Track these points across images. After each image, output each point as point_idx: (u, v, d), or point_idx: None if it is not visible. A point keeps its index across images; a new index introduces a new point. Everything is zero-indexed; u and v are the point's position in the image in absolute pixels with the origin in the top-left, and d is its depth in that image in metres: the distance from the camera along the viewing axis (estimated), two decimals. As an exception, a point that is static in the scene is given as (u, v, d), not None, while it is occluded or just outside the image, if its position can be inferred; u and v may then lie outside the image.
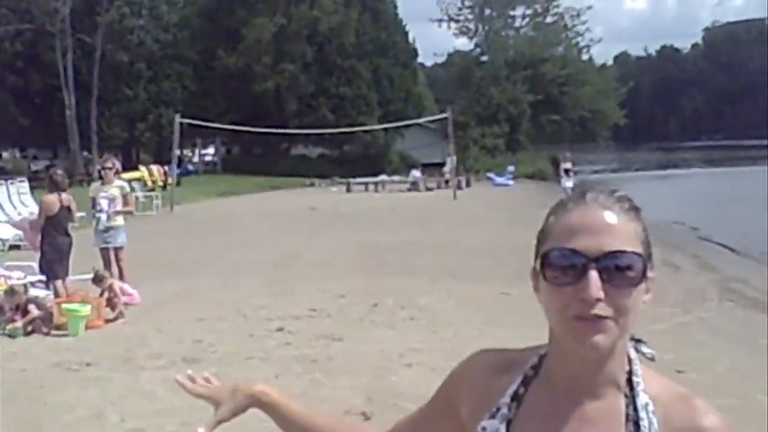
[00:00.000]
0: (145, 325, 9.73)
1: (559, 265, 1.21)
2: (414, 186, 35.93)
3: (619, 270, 1.19)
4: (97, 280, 10.29)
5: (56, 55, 43.32)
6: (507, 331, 8.53)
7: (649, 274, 1.25)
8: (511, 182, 38.96)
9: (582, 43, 55.33)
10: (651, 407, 1.24)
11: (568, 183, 26.03)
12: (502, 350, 1.38)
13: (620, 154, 72.83)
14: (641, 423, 1.22)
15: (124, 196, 11.55)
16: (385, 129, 42.21)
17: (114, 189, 11.47)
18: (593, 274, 1.17)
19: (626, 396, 1.25)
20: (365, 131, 41.11)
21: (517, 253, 15.48)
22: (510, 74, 50.62)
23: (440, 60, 66.48)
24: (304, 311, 10.26)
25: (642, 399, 1.25)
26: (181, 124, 30.88)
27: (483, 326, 9.33)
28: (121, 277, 11.26)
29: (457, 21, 55.93)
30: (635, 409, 1.24)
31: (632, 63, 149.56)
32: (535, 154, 49.44)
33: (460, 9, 55.68)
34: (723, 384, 7.21)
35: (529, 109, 49.39)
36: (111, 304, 10.12)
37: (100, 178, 12.01)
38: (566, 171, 26.57)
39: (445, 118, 33.15)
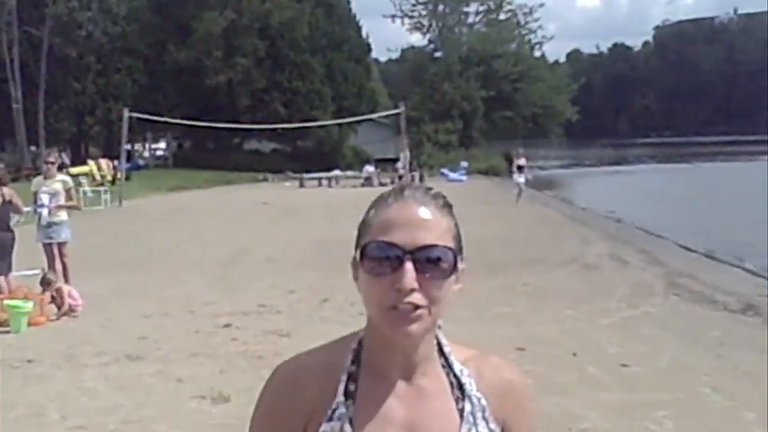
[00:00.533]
0: (90, 321, 9.56)
1: (377, 256, 1.27)
2: (368, 181, 35.89)
3: (432, 262, 1.26)
4: (45, 283, 10.03)
5: (2, 47, 42.44)
6: (453, 326, 8.52)
7: (460, 266, 1.32)
8: (464, 178, 39.14)
9: (534, 40, 55.94)
10: (465, 371, 1.37)
11: (521, 179, 26.19)
12: (304, 356, 1.40)
13: (572, 150, 73.67)
14: (465, 387, 1.36)
15: (68, 191, 11.31)
16: (339, 124, 42.12)
17: (56, 184, 11.21)
18: (408, 266, 1.24)
19: (444, 366, 1.37)
20: (318, 126, 40.95)
21: (469, 249, 15.51)
22: (463, 70, 50.84)
23: (394, 56, 66.70)
24: (253, 307, 10.17)
25: (457, 366, 1.38)
26: (131, 118, 30.44)
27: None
28: (65, 273, 11.03)
29: (410, 17, 56.12)
30: (455, 376, 1.37)
31: (584, 60, 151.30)
32: (489, 150, 49.73)
33: (414, 5, 55.87)
34: (667, 378, 7.28)
35: (482, 105, 49.67)
36: (57, 303, 9.90)
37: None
38: (519, 167, 26.72)
39: (399, 114, 33.15)
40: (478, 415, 1.34)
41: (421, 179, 36.68)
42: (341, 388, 1.32)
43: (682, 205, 27.88)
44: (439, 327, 1.39)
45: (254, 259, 14.70)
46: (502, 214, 23.08)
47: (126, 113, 29.84)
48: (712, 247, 17.88)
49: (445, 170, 40.98)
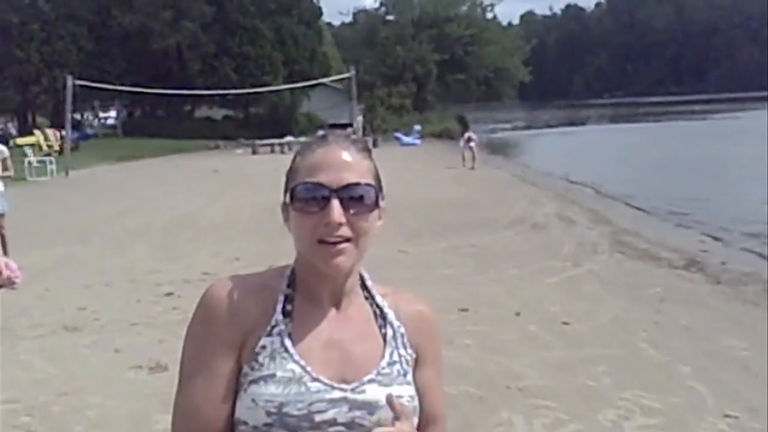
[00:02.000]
0: (27, 293, 9.34)
1: (306, 196, 1.42)
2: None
3: (356, 199, 1.41)
4: (-20, 255, 9.77)
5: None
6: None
7: (381, 203, 1.48)
8: (418, 142, 39.05)
9: (486, 3, 55.63)
10: (385, 303, 1.53)
11: (467, 151, 26.22)
12: (239, 276, 1.49)
13: (526, 112, 73.96)
14: (387, 315, 1.52)
15: (3, 161, 11.01)
16: (291, 89, 41.66)
17: (-10, 154, 10.90)
18: (335, 203, 1.40)
19: (367, 298, 1.54)
20: (270, 92, 40.44)
21: (419, 212, 15.56)
22: (416, 33, 50.55)
23: (347, 19, 65.92)
24: (196, 275, 10.03)
25: (378, 298, 1.54)
26: (76, 86, 29.75)
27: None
28: (3, 245, 10.75)
29: (362, -21, 55.56)
30: (378, 306, 1.53)
31: (538, 22, 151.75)
32: (442, 113, 49.61)
33: (366, -33, 55.21)
34: (607, 334, 7.34)
35: (435, 68, 49.46)
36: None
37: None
38: (469, 139, 26.71)
39: (349, 77, 32.89)
40: (399, 340, 1.50)
41: (375, 144, 36.53)
42: (279, 307, 1.43)
43: (632, 165, 28.15)
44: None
45: (200, 227, 14.51)
46: (454, 177, 23.10)
47: (70, 81, 29.15)
48: (660, 205, 18.11)
49: (398, 134, 40.82)
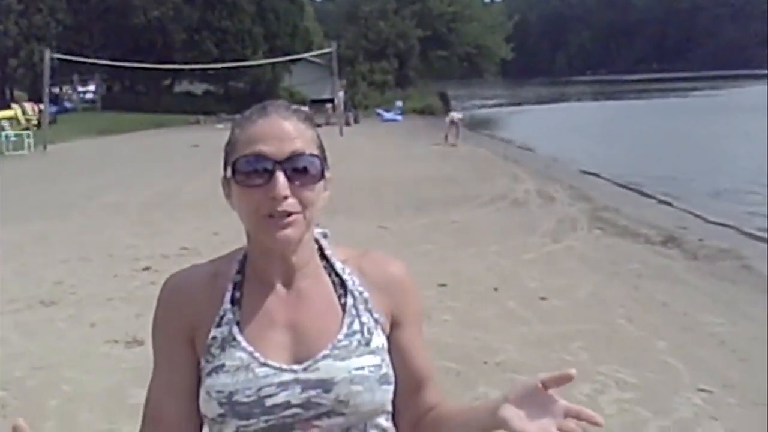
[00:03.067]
0: (4, 268, 9.27)
1: (249, 169, 1.34)
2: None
3: (300, 170, 1.35)
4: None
5: None
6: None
7: (326, 174, 1.42)
8: (399, 118, 38.93)
9: (468, -21, 55.28)
10: (347, 270, 1.46)
11: (451, 128, 26.12)
12: (192, 267, 1.48)
13: (509, 89, 73.89)
14: (346, 282, 1.45)
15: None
16: (272, 64, 41.36)
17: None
18: (280, 175, 1.33)
19: (326, 268, 1.47)
20: (250, 66, 40.14)
21: (399, 188, 15.54)
22: (398, 9, 50.23)
23: (329, -6, 65.25)
24: (175, 250, 9.99)
25: (338, 266, 1.47)
26: (54, 59, 29.40)
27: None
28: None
29: (345, -46, 55.04)
30: (337, 275, 1.46)
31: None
32: (424, 89, 49.46)
33: (349, -59, 54.73)
34: (584, 310, 7.38)
35: (418, 44, 49.22)
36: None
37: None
38: (452, 121, 26.59)
39: (331, 53, 32.68)
40: (361, 307, 1.42)
41: (356, 120, 36.42)
42: (228, 296, 1.40)
43: (613, 142, 28.22)
44: (326, 236, 1.53)
45: (180, 202, 14.43)
46: (436, 154, 23.06)
47: (48, 54, 28.79)
48: (640, 182, 18.17)
49: (380, 110, 40.69)
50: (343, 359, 1.38)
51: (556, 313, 7.25)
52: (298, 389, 1.36)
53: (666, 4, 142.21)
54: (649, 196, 16.30)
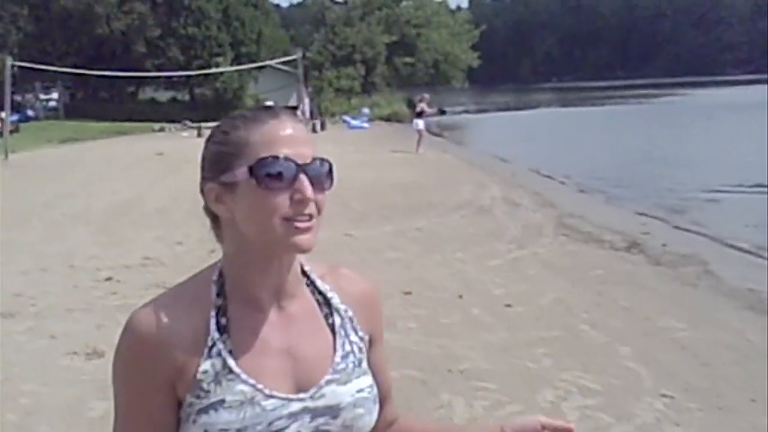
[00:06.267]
0: (-38, 280, 9.10)
1: (275, 172, 1.29)
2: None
3: (319, 175, 1.33)
4: None
5: None
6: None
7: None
8: (366, 125, 38.89)
9: (436, -15, 55.54)
10: (327, 286, 1.43)
11: (420, 125, 26.09)
12: (163, 298, 1.35)
13: (475, 96, 74.23)
14: (331, 301, 1.41)
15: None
16: (238, 71, 41.18)
17: None
18: (305, 178, 1.30)
19: (308, 285, 1.42)
20: (214, 73, 39.93)
21: (365, 195, 15.51)
22: (365, 15, 50.28)
23: (296, 0, 65.13)
24: (137, 260, 9.87)
25: (320, 283, 1.43)
26: (15, 67, 29.01)
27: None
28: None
29: (311, -40, 54.98)
30: (321, 293, 1.42)
31: (486, 6, 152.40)
32: (391, 96, 49.51)
33: (315, -52, 54.74)
34: (549, 316, 7.40)
35: (385, 50, 49.27)
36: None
37: None
38: (419, 113, 26.60)
39: (296, 60, 32.61)
40: (348, 326, 1.41)
41: (323, 127, 36.35)
42: (212, 323, 1.30)
43: (578, 148, 28.45)
44: None
45: (143, 211, 14.27)
46: (402, 161, 23.07)
47: (9, 62, 28.39)
48: (605, 188, 18.35)
49: (346, 117, 40.62)
50: (344, 383, 1.36)
51: (521, 320, 7.26)
52: (307, 418, 1.32)
53: (629, 12, 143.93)
54: (614, 202, 16.45)
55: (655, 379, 5.81)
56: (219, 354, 1.29)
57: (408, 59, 50.86)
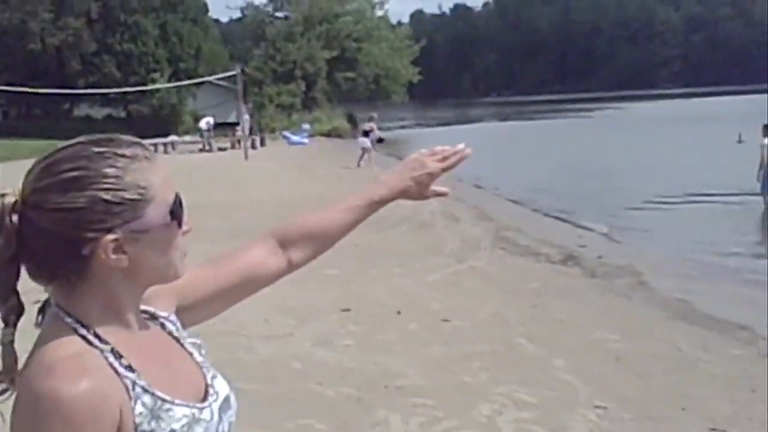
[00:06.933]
0: None
1: (182, 208, 1.31)
2: (206, 146, 35.07)
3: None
4: None
5: None
6: (273, 291, 8.39)
7: None
8: (306, 141, 38.77)
9: (376, 0, 55.72)
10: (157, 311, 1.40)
11: (367, 143, 26.13)
12: (54, 370, 1.17)
13: (416, 110, 74.67)
14: (159, 318, 1.39)
15: None
16: (176, 87, 40.76)
17: None
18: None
19: (146, 312, 1.37)
20: (154, 90, 39.46)
21: (304, 211, 15.44)
22: (305, 30, 50.20)
23: (235, 15, 64.72)
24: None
25: (149, 307, 1.38)
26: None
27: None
28: None
29: (251, -25, 54.73)
30: (156, 317, 1.39)
31: (427, 21, 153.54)
32: (332, 111, 49.46)
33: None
34: (486, 330, 7.45)
35: (326, 66, 49.25)
36: None
37: None
38: (366, 132, 26.62)
39: (236, 75, 32.41)
40: (179, 327, 1.41)
41: (262, 143, 36.16)
42: (119, 367, 1.22)
43: (517, 162, 28.80)
44: None
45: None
46: (343, 177, 23.05)
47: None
48: (543, 201, 18.57)
49: (287, 133, 40.43)
50: (217, 375, 1.38)
51: (458, 334, 7.29)
52: (224, 417, 1.34)
53: (566, 27, 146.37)
54: (552, 215, 16.67)
55: (589, 391, 5.87)
56: (144, 390, 1.23)
57: (349, 74, 50.89)
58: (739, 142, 26.78)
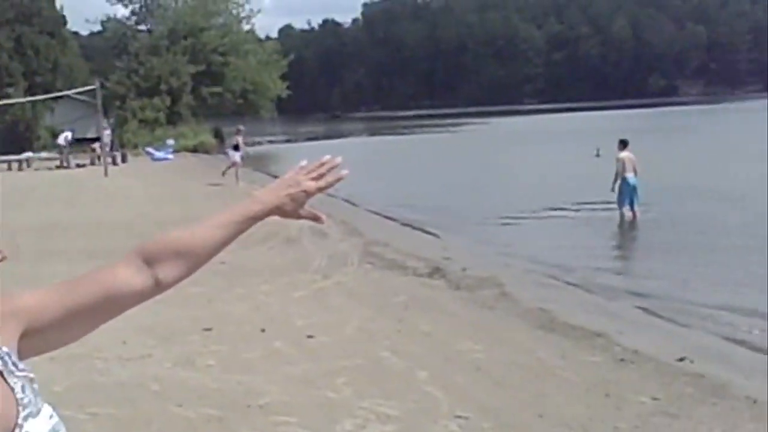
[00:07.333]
0: None
1: None
2: (64, 162, 33.75)
3: None
4: None
5: None
6: (136, 311, 8.10)
7: None
8: (171, 156, 37.87)
9: (243, 14, 55.24)
10: None
11: (237, 157, 25.74)
12: None
13: (285, 126, 74.36)
14: None
15: None
16: (31, 102, 39.07)
17: None
18: None
19: None
20: (8, 105, 37.64)
21: (164, 228, 15.03)
22: (170, 44, 49.16)
23: (95, 28, 62.44)
24: None
25: None
26: None
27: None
28: None
29: (112, -13, 53.18)
30: None
31: (296, 36, 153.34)
32: (198, 126, 48.52)
33: (115, -25, 52.97)
34: (351, 345, 7.43)
35: (191, 80, 48.34)
36: None
37: None
38: (236, 146, 26.22)
39: (95, 90, 31.38)
40: (12, 368, 1.29)
41: (124, 159, 35.13)
42: None
43: (386, 176, 29.04)
44: None
45: None
46: (207, 193, 22.64)
47: None
48: (410, 214, 18.78)
49: (150, 149, 39.35)
50: (36, 414, 1.27)
51: (323, 351, 7.24)
52: None
53: (434, 44, 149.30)
54: (419, 228, 16.87)
55: (451, 402, 5.94)
56: None
57: (215, 89, 50.08)
58: (597, 156, 27.86)
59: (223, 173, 25.07)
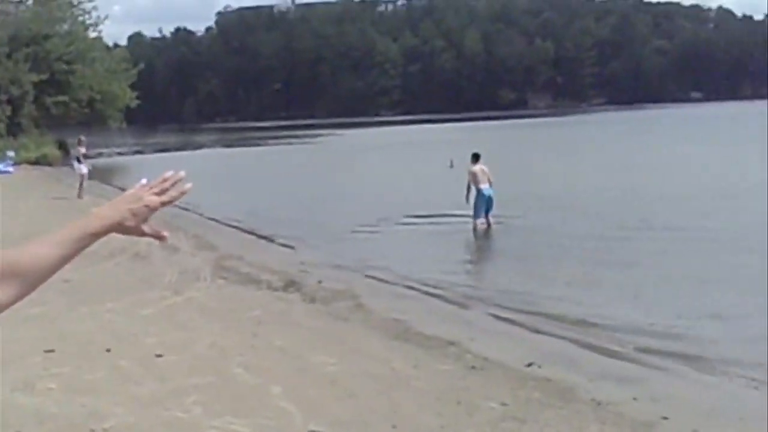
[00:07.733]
0: None
1: None
2: None
3: None
4: None
5: None
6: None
7: None
8: (11, 169, 35.92)
9: (89, 21, 53.25)
10: None
11: (84, 169, 24.69)
12: None
13: (135, 137, 72.15)
14: None
15: None
16: None
17: None
18: None
19: None
20: None
21: (6, 246, 14.26)
22: (12, 52, 46.76)
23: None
24: None
25: None
26: None
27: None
28: None
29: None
30: None
31: (147, 44, 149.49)
32: (40, 138, 46.28)
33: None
34: (202, 363, 7.25)
35: (33, 89, 46.14)
36: None
37: None
38: (79, 158, 25.13)
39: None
40: None
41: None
42: None
43: (240, 188, 28.69)
44: None
45: None
46: (51, 208, 21.64)
47: None
48: (265, 227, 18.55)
49: (-14, 162, 37.21)
50: None
51: (172, 369, 7.02)
52: None
53: (290, 55, 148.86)
54: (274, 241, 16.71)
55: (305, 416, 5.88)
56: None
57: (60, 98, 47.95)
58: (451, 167, 28.43)
59: (79, 195, 23.88)
